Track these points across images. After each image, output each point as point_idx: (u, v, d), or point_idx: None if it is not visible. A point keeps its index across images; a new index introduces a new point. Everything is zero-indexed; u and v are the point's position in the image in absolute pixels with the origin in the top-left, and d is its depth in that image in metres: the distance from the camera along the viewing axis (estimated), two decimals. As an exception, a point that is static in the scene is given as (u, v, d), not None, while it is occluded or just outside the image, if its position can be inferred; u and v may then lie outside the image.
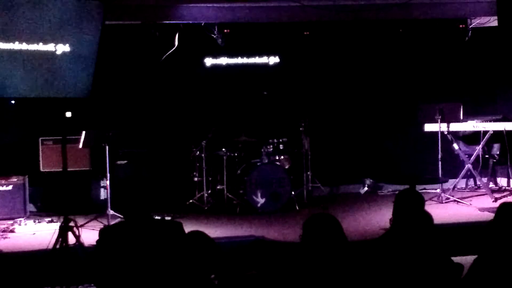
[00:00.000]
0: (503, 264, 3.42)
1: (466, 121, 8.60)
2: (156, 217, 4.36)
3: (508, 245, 3.48)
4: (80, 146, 7.80)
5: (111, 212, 7.40)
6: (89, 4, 8.08)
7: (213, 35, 9.11)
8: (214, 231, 6.75)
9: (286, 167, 8.64)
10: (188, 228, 3.81)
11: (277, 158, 8.66)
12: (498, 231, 3.56)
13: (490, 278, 3.43)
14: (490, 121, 8.60)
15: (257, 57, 9.59)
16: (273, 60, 9.62)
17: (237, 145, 8.77)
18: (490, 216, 3.79)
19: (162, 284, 3.60)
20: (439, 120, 8.31)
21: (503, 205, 3.73)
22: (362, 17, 8.97)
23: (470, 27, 9.48)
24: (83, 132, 7.72)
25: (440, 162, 8.26)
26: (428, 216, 3.88)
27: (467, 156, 8.71)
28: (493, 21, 9.07)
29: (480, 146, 8.56)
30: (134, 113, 9.05)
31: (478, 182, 9.27)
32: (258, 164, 8.41)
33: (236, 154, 8.70)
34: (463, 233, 6.42)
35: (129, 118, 8.92)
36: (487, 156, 8.96)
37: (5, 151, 8.41)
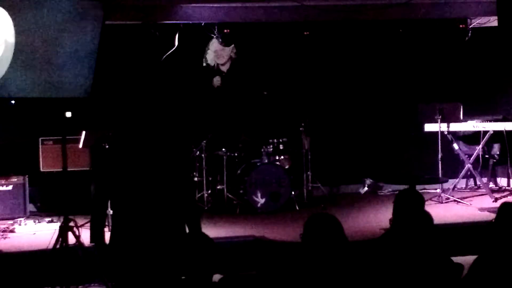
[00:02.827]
0: (504, 264, 3.42)
1: (466, 121, 8.60)
2: None
3: (509, 245, 3.48)
4: (80, 146, 7.79)
5: (111, 212, 7.38)
6: (89, 4, 8.07)
7: (213, 35, 9.11)
8: (214, 231, 6.73)
9: (286, 167, 8.63)
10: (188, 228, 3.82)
11: (277, 158, 8.65)
12: (499, 231, 3.56)
13: (490, 278, 3.43)
14: (490, 121, 8.60)
15: (257, 57, 9.58)
16: (273, 60, 9.60)
17: (237, 145, 8.76)
18: (490, 216, 3.81)
19: (162, 284, 3.60)
20: (439, 120, 8.31)
21: (504, 205, 3.73)
22: (362, 17, 8.96)
23: (470, 27, 9.46)
24: (83, 132, 7.71)
25: (440, 162, 8.26)
26: (428, 216, 3.87)
27: (467, 156, 8.71)
28: (493, 21, 9.06)
29: (480, 146, 8.56)
30: (134, 113, 9.03)
31: (478, 182, 9.26)
32: (258, 164, 8.41)
33: (236, 154, 8.69)
34: (463, 233, 6.42)
35: (129, 118, 8.90)
36: (487, 156, 8.95)
37: (5, 151, 8.40)
